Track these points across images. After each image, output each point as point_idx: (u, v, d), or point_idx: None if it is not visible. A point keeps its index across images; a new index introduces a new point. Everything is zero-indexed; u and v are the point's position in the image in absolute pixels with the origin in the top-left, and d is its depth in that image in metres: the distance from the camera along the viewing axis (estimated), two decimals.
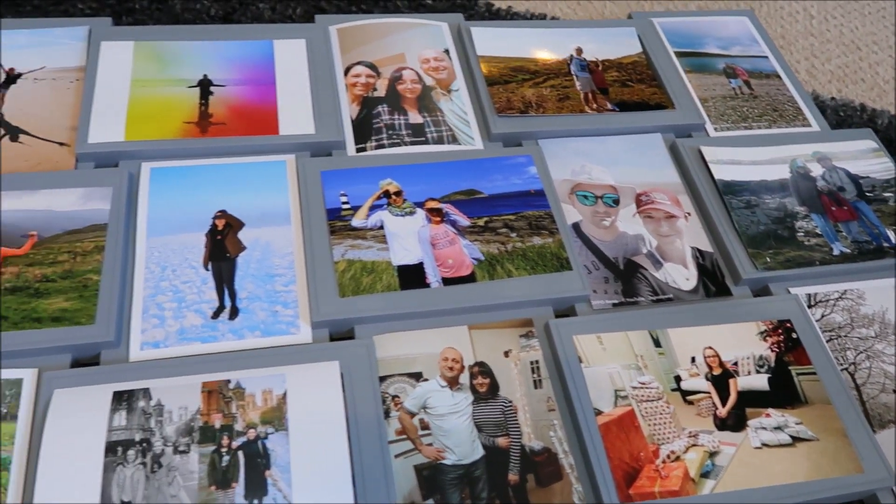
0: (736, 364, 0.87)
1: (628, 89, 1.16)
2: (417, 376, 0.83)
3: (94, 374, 0.77)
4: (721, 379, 0.86)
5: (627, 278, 0.95)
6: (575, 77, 1.16)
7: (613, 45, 1.23)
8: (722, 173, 1.06)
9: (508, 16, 1.33)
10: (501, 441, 0.79)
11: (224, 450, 0.72)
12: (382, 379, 0.81)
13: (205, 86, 1.05)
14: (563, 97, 1.13)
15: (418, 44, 1.17)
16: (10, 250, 0.85)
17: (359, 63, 1.13)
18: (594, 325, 0.88)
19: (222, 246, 0.90)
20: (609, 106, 1.13)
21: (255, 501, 0.70)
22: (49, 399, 0.74)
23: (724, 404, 0.84)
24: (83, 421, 0.72)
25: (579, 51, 1.20)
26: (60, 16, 1.16)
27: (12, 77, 1.03)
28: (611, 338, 0.87)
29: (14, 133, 0.97)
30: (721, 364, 0.87)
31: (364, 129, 1.05)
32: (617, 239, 0.99)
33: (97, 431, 0.72)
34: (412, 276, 0.89)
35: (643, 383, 0.84)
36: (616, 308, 0.92)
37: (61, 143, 0.97)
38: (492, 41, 1.18)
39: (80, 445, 0.71)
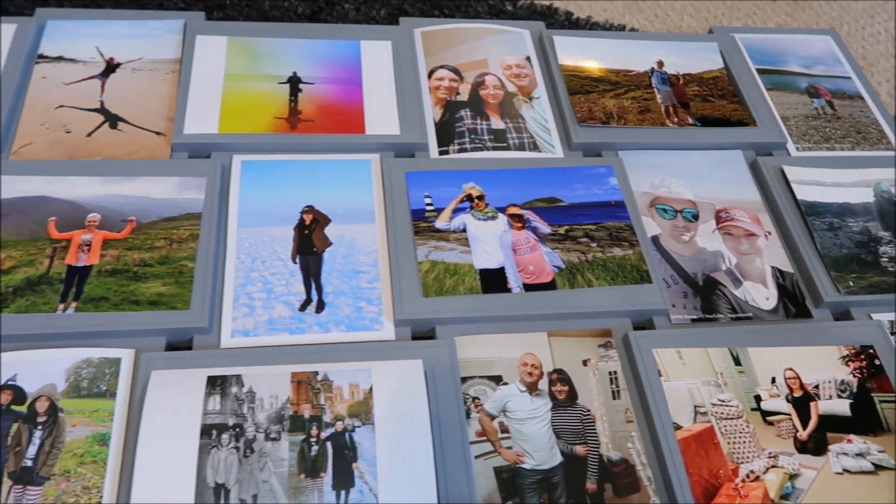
0: (817, 387, 0.86)
1: (709, 104, 1.16)
2: (497, 379, 0.84)
3: (188, 358, 0.80)
4: (802, 401, 0.85)
5: (706, 294, 0.95)
6: (656, 90, 1.16)
7: (695, 59, 1.22)
8: (804, 194, 1.05)
9: (588, 26, 1.33)
10: (580, 449, 0.80)
11: (313, 440, 0.74)
12: (463, 380, 0.83)
13: (294, 83, 1.07)
14: (644, 109, 1.13)
15: (501, 50, 1.18)
16: (111, 234, 0.88)
17: (442, 67, 1.14)
18: (674, 340, 0.88)
19: (310, 240, 0.92)
20: (690, 120, 1.12)
21: (343, 492, 0.71)
22: (146, 379, 0.77)
23: (804, 427, 0.83)
24: (179, 403, 0.75)
25: (661, 63, 1.20)
26: (155, 8, 1.19)
27: (112, 66, 1.07)
28: (690, 353, 0.87)
29: (114, 121, 1.00)
30: (802, 386, 0.86)
31: (447, 133, 1.06)
32: (696, 254, 0.98)
33: (193, 414, 0.74)
34: (494, 280, 0.90)
35: (723, 401, 0.84)
36: (694, 324, 0.92)
37: (157, 133, 1.00)
38: (573, 50, 1.19)
39: (177, 426, 0.73)
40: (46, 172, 0.92)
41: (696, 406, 0.83)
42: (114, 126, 1.00)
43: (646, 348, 0.86)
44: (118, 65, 1.07)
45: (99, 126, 0.99)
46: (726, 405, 0.84)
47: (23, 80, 1.02)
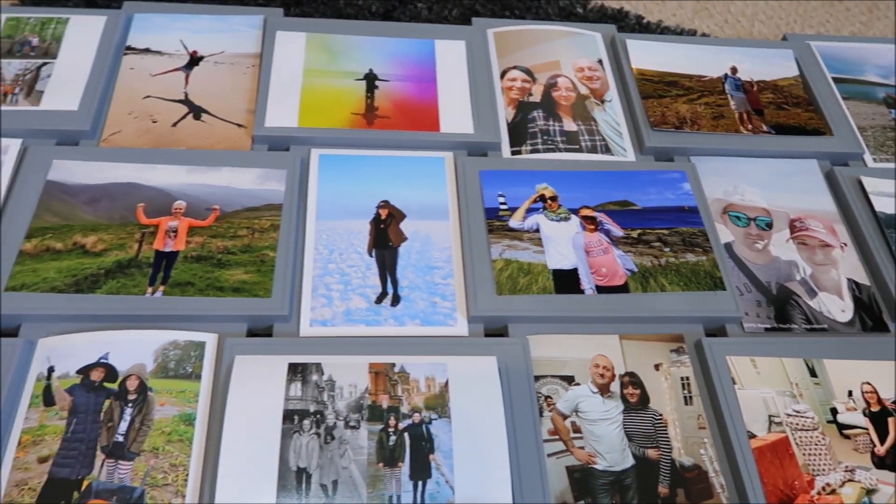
0: (895, 403, 0.85)
1: (784, 112, 1.14)
2: (569, 379, 0.84)
3: (270, 345, 0.82)
4: (880, 416, 0.84)
5: (780, 304, 0.94)
6: (729, 96, 1.15)
7: (769, 65, 1.21)
8: (883, 206, 1.03)
9: (659, 30, 1.32)
10: (651, 453, 0.80)
11: (391, 430, 0.76)
12: (535, 379, 0.83)
13: (371, 79, 1.09)
14: (718, 115, 1.12)
15: (573, 52, 1.18)
16: (196, 221, 0.91)
17: (515, 67, 1.15)
18: (748, 348, 0.87)
19: (385, 235, 0.94)
20: (764, 128, 1.11)
21: (420, 482, 0.73)
22: (230, 364, 0.79)
23: (882, 442, 0.82)
24: (263, 388, 0.77)
25: (734, 70, 1.19)
26: (235, 3, 1.22)
27: (196, 59, 1.10)
28: (765, 362, 0.86)
29: (197, 112, 1.03)
30: (880, 401, 0.85)
31: (519, 133, 1.07)
32: (770, 263, 0.97)
33: (276, 399, 0.76)
34: (567, 281, 0.91)
35: (798, 411, 0.83)
36: (768, 333, 0.91)
37: (238, 125, 1.03)
38: (646, 54, 1.19)
39: (261, 410, 0.75)
40: (135, 160, 0.95)
41: (770, 416, 0.83)
42: (197, 117, 1.03)
43: (720, 355, 0.86)
44: (201, 58, 1.10)
45: (183, 117, 1.03)
46: (802, 416, 0.83)
47: (112, 70, 1.06)
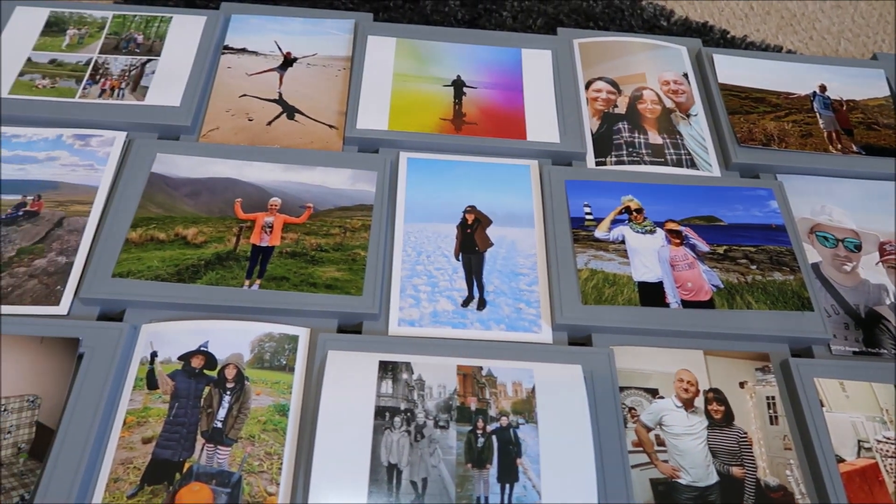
0: None
1: (874, 133, 1.12)
2: (653, 392, 0.84)
3: (361, 342, 0.84)
4: None
5: (869, 328, 0.92)
6: (818, 114, 1.14)
7: (859, 85, 1.19)
8: None
9: (744, 45, 1.31)
10: (736, 470, 0.80)
11: (479, 432, 0.77)
12: (619, 390, 0.83)
13: (458, 86, 1.11)
14: (806, 134, 1.10)
15: (658, 65, 1.18)
16: (291, 218, 0.94)
17: (600, 79, 1.15)
18: (837, 371, 0.86)
19: (472, 239, 0.95)
20: (854, 148, 1.10)
21: (507, 485, 0.74)
22: (323, 358, 0.82)
23: None
24: (355, 383, 0.79)
25: (823, 88, 1.18)
26: (326, 7, 1.25)
27: (290, 61, 1.13)
28: (854, 386, 0.85)
29: (291, 112, 1.07)
30: None
31: (604, 144, 1.07)
32: (859, 286, 0.96)
33: (368, 395, 0.78)
34: (652, 294, 0.91)
35: (888, 438, 0.82)
36: (856, 356, 0.90)
37: (330, 126, 1.05)
38: (733, 69, 1.18)
39: (353, 405, 0.77)
40: (233, 156, 0.99)
41: (859, 441, 0.81)
42: (291, 117, 1.06)
43: (807, 377, 0.85)
44: (295, 59, 1.13)
45: (278, 116, 1.06)
46: (892, 443, 0.81)
47: (211, 69, 1.10)
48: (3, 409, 0.76)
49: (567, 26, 1.29)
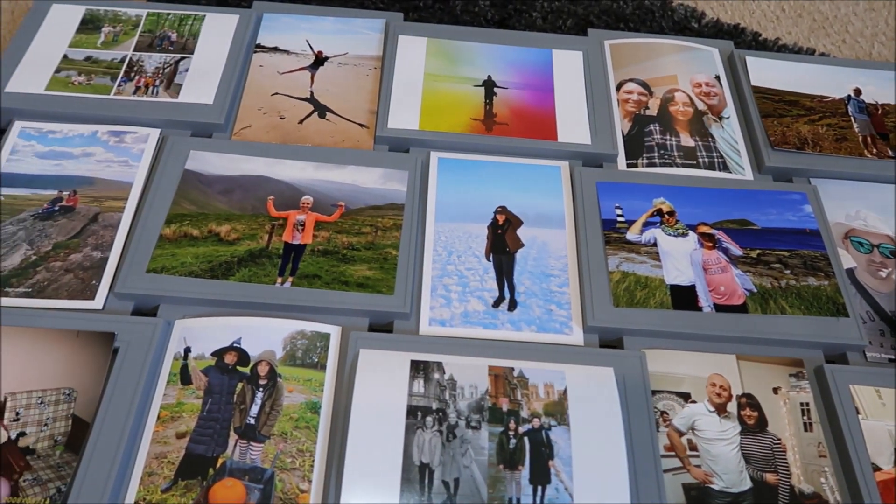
0: None
1: None
2: (685, 396, 0.84)
3: (392, 341, 0.84)
4: None
5: None
6: (853, 118, 1.12)
7: (894, 88, 1.17)
8: None
9: (776, 48, 1.30)
10: (770, 477, 0.79)
11: (511, 433, 0.77)
12: (651, 393, 0.83)
13: (489, 86, 1.11)
14: (841, 138, 1.09)
15: (690, 67, 1.17)
16: (322, 216, 0.94)
17: (631, 80, 1.15)
18: (873, 378, 0.85)
19: (503, 240, 0.95)
20: (890, 152, 1.08)
21: (539, 487, 0.73)
22: (354, 356, 0.82)
23: None
24: (387, 382, 0.79)
25: (858, 91, 1.16)
26: (356, 7, 1.26)
27: (321, 59, 1.13)
28: (891, 394, 0.84)
29: (322, 111, 1.07)
30: None
31: (635, 146, 1.07)
32: (895, 292, 0.95)
33: (399, 394, 0.78)
34: (685, 297, 0.90)
35: None
36: (892, 364, 0.88)
37: (361, 125, 1.06)
38: (766, 72, 1.17)
39: (385, 404, 0.78)
40: (266, 154, 0.99)
41: None
42: (322, 115, 1.06)
43: (843, 383, 0.84)
44: (326, 58, 1.14)
45: (309, 115, 1.06)
46: None
47: (243, 67, 1.10)
48: (40, 402, 0.76)
49: (597, 27, 1.28)
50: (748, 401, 0.84)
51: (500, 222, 0.97)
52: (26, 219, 0.92)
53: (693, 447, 0.80)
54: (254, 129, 1.03)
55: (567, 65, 1.15)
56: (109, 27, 1.13)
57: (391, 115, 1.04)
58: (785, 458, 0.80)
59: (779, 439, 0.81)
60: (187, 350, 0.82)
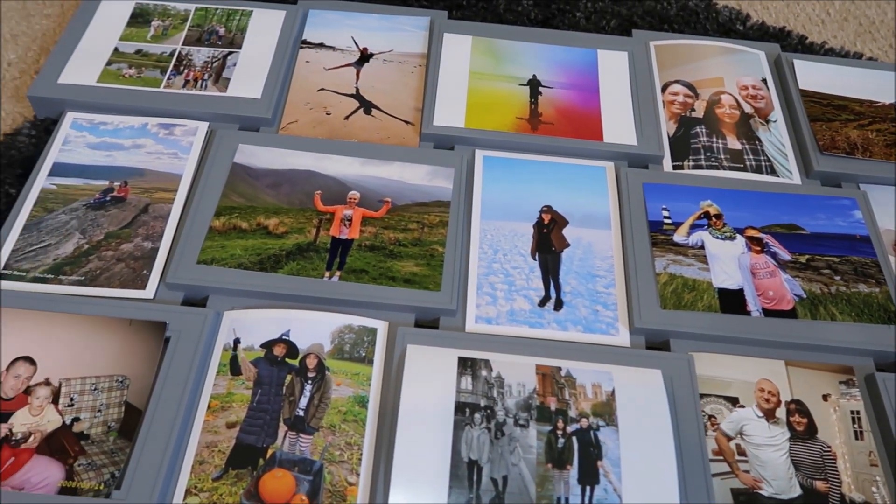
0: None
1: None
2: (734, 401, 0.83)
3: (439, 337, 0.84)
4: None
5: None
6: None
7: None
8: None
9: (822, 51, 1.28)
10: (820, 485, 0.78)
11: (559, 432, 0.77)
12: (699, 397, 0.82)
13: (534, 85, 1.11)
14: (891, 143, 1.08)
15: (736, 70, 1.16)
16: (369, 212, 0.94)
17: (677, 81, 1.14)
18: None
19: (548, 239, 0.95)
20: None
21: (588, 487, 0.73)
22: (402, 352, 0.82)
23: None
24: (435, 378, 0.79)
25: None
26: (400, 4, 1.26)
27: (366, 56, 1.14)
28: None
29: (367, 107, 1.07)
30: None
31: (681, 148, 1.06)
32: None
33: (447, 390, 0.78)
34: (733, 301, 0.89)
35: None
36: None
37: (406, 122, 1.06)
38: (814, 76, 1.15)
39: (433, 400, 0.78)
40: (312, 149, 1.00)
41: None
42: (367, 112, 1.07)
43: (894, 392, 0.83)
44: (371, 55, 1.14)
45: (355, 111, 1.07)
46: None
47: (290, 62, 1.11)
48: (94, 388, 0.77)
49: (641, 28, 1.27)
50: (797, 407, 0.83)
51: (546, 221, 0.97)
52: (79, 208, 0.93)
53: (741, 452, 0.80)
54: (300, 124, 1.04)
55: (612, 65, 1.14)
56: (159, 21, 1.14)
57: (437, 112, 1.05)
58: (835, 466, 0.79)
59: (829, 447, 0.80)
60: (237, 341, 0.82)
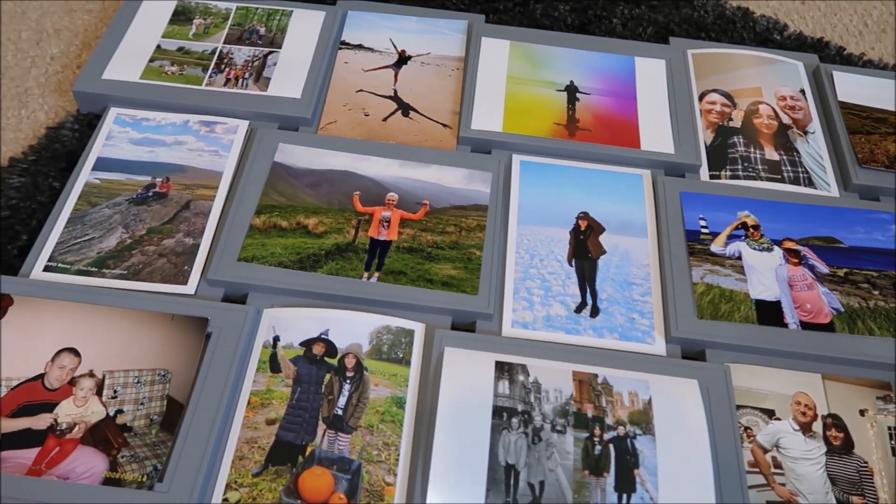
0: None
1: None
2: (770, 413, 0.83)
3: (476, 341, 0.85)
4: None
5: None
6: None
7: None
8: None
9: (861, 63, 1.28)
10: (856, 500, 0.78)
11: (596, 439, 0.77)
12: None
13: (572, 91, 1.11)
14: None
15: (774, 80, 1.16)
16: (407, 214, 0.95)
17: (714, 91, 1.14)
18: None
19: (585, 246, 0.95)
20: None
21: (625, 495, 0.73)
22: (440, 354, 0.83)
23: None
24: (472, 381, 0.80)
25: None
26: (437, 7, 1.27)
27: (404, 58, 1.15)
28: None
29: (405, 109, 1.08)
30: None
31: (718, 157, 1.06)
32: None
33: (485, 394, 0.79)
34: (770, 313, 0.89)
35: None
36: None
37: (444, 125, 1.07)
38: (853, 87, 1.15)
39: (471, 403, 0.78)
40: (351, 150, 1.01)
41: None
42: (405, 114, 1.07)
43: None
44: (409, 57, 1.15)
45: (393, 113, 1.07)
46: None
47: (329, 63, 1.12)
48: (136, 381, 0.79)
49: (677, 36, 1.27)
50: (834, 421, 0.83)
51: (583, 228, 0.97)
52: (121, 203, 0.94)
53: (777, 465, 0.80)
54: (339, 125, 1.05)
55: (650, 72, 1.14)
56: (200, 19, 1.15)
57: (475, 116, 1.05)
58: (872, 482, 0.79)
59: (865, 462, 0.80)
60: (276, 339, 0.83)
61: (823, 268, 0.94)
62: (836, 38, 1.37)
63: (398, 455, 0.76)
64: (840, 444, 0.81)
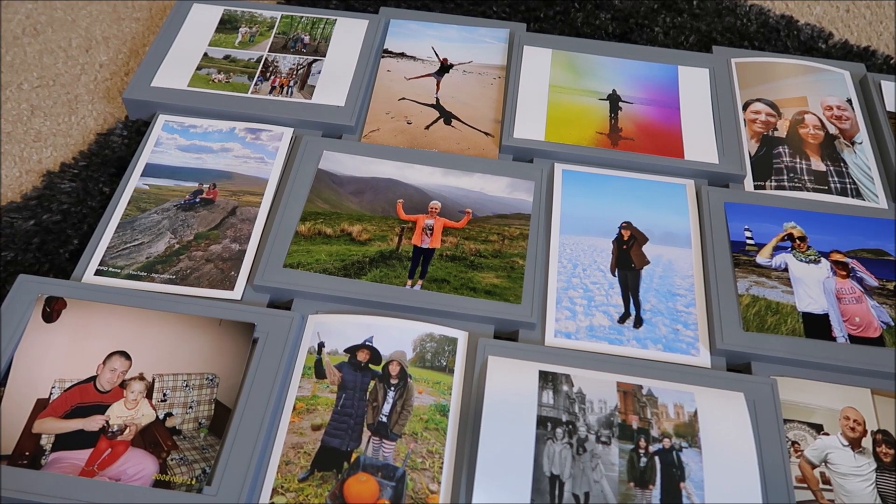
0: None
1: None
2: (818, 428, 0.82)
3: (519, 350, 0.85)
4: None
5: None
6: None
7: None
8: None
9: None
10: None
11: (642, 451, 0.76)
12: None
13: (614, 100, 1.10)
14: None
15: (820, 90, 1.14)
16: (450, 222, 0.95)
17: (759, 100, 1.13)
18: None
19: (628, 256, 0.95)
20: None
21: None
22: (483, 363, 0.83)
23: None
24: (516, 391, 0.80)
25: None
26: (479, 16, 1.27)
27: (446, 67, 1.15)
28: None
29: (448, 118, 1.09)
30: None
31: (763, 167, 1.05)
32: None
33: (529, 403, 0.79)
34: (818, 326, 0.88)
35: None
36: None
37: (486, 133, 1.07)
38: None
39: (515, 412, 0.78)
40: (394, 158, 1.01)
41: None
42: (447, 122, 1.08)
43: None
44: (451, 66, 1.15)
45: (435, 121, 1.08)
46: None
47: (372, 71, 1.13)
48: (185, 385, 0.80)
49: (720, 44, 1.26)
50: (884, 437, 0.81)
51: (626, 238, 0.96)
52: (170, 208, 0.96)
53: (826, 481, 0.78)
54: (382, 133, 1.06)
55: (693, 81, 1.13)
56: (246, 27, 1.17)
57: (517, 125, 1.05)
58: None
59: None
60: (321, 345, 0.84)
61: (872, 281, 0.93)
62: (882, 47, 1.35)
63: (442, 463, 0.77)
64: (890, 461, 0.80)
